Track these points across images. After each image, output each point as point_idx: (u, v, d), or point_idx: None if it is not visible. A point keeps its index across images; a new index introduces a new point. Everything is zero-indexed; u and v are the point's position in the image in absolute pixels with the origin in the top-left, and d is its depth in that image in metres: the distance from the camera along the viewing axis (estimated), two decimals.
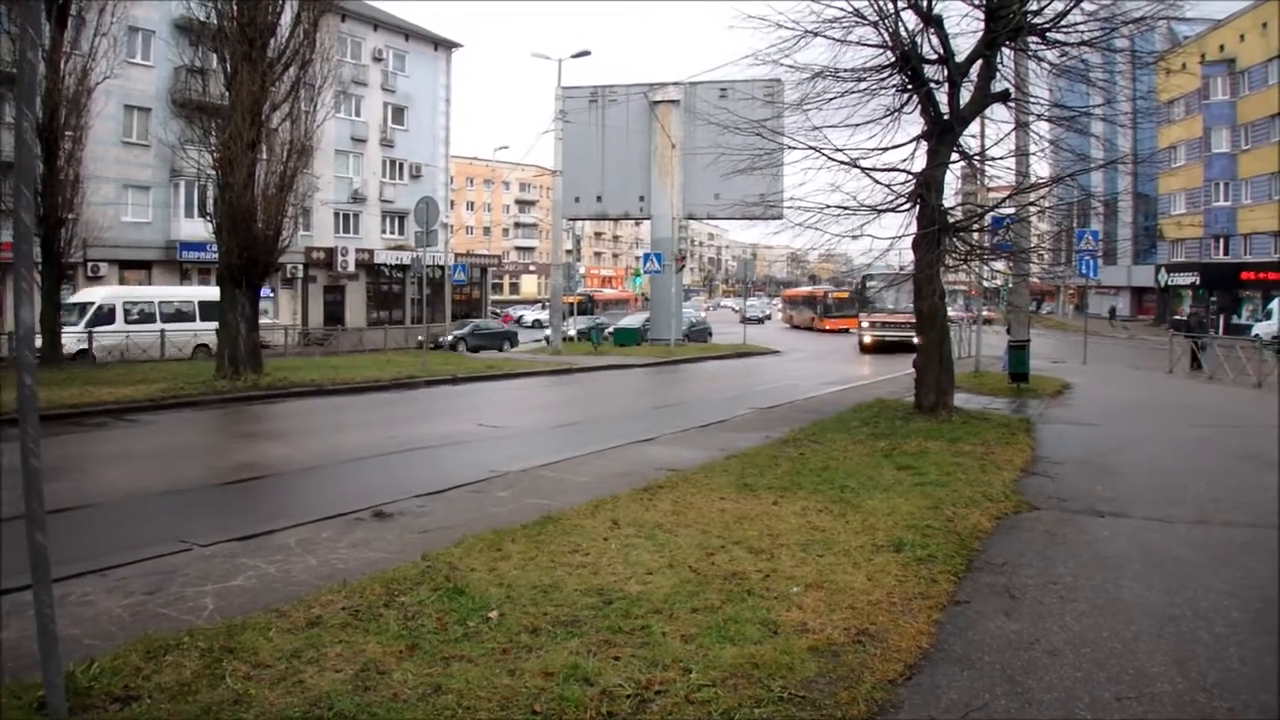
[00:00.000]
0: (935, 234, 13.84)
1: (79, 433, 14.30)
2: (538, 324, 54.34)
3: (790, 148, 15.12)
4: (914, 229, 14.28)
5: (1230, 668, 4.72)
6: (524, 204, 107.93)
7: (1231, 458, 11.84)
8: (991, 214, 16.22)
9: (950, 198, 16.29)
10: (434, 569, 6.14)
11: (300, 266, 42.39)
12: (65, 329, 25.69)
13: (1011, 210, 16.55)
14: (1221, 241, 53.93)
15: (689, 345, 39.48)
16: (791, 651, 4.69)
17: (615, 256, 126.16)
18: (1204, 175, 54.76)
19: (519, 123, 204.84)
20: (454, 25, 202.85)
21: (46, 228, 23.86)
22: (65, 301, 26.94)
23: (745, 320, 50.70)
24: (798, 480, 9.39)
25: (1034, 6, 13.49)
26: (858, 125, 14.20)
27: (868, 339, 38.51)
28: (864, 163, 14.07)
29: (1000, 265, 17.86)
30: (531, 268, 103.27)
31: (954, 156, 14.79)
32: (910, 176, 14.15)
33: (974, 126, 15.91)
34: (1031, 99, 14.85)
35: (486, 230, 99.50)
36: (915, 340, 31.48)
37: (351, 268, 45.43)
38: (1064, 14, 13.40)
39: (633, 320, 44.45)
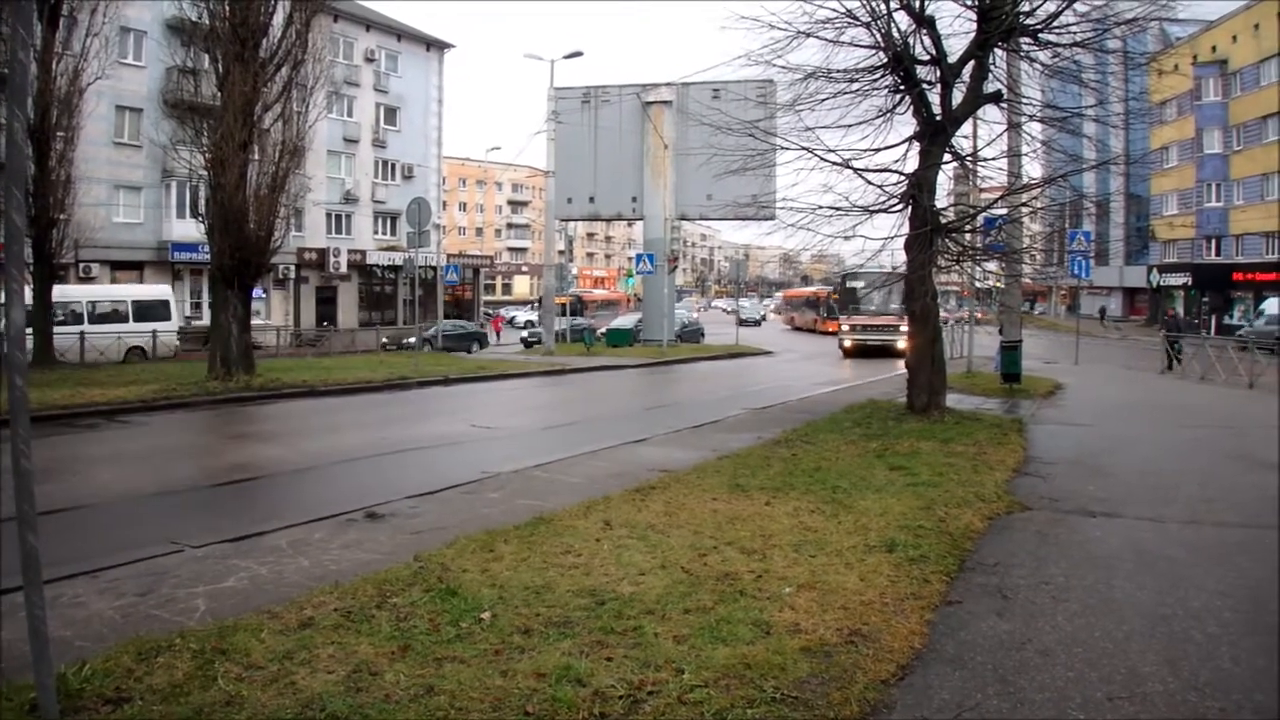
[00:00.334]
0: (928, 235, 13.85)
1: (71, 434, 14.25)
2: (529, 325, 54.25)
3: (783, 148, 15.15)
4: (906, 230, 14.29)
5: (1222, 667, 4.73)
6: (516, 205, 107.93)
7: (1223, 458, 11.87)
8: (984, 215, 16.26)
9: (943, 198, 16.31)
10: (426, 570, 6.13)
11: (292, 267, 42.33)
12: None
13: (1004, 211, 16.61)
14: (1213, 242, 54.11)
15: (681, 346, 39.48)
16: (784, 652, 4.69)
17: (608, 257, 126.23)
18: (1196, 176, 54.93)
19: (511, 123, 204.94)
20: (446, 26, 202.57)
21: (38, 229, 23.81)
22: None
23: (742, 323, 50.43)
24: (790, 481, 9.39)
25: (1026, 7, 13.53)
26: (850, 126, 14.23)
27: (847, 343, 36.55)
28: (856, 163, 14.10)
29: (993, 266, 17.90)
30: (524, 268, 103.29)
31: (946, 157, 14.81)
32: (902, 177, 14.17)
33: (966, 127, 15.97)
34: (1024, 100, 14.92)
35: (479, 231, 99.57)
36: (899, 345, 31.85)
37: (344, 268, 45.35)
38: (1056, 15, 13.43)
39: (625, 321, 44.41)
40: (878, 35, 13.59)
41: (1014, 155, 15.92)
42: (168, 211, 37.33)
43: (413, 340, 38.22)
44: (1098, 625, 5.34)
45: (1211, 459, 11.79)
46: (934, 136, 14.10)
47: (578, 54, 36.92)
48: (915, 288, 14.66)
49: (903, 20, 13.77)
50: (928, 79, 14.23)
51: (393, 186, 48.44)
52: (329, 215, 45.73)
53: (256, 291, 24.01)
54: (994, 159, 15.62)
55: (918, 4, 13.71)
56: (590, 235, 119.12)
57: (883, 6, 13.44)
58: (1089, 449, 12.35)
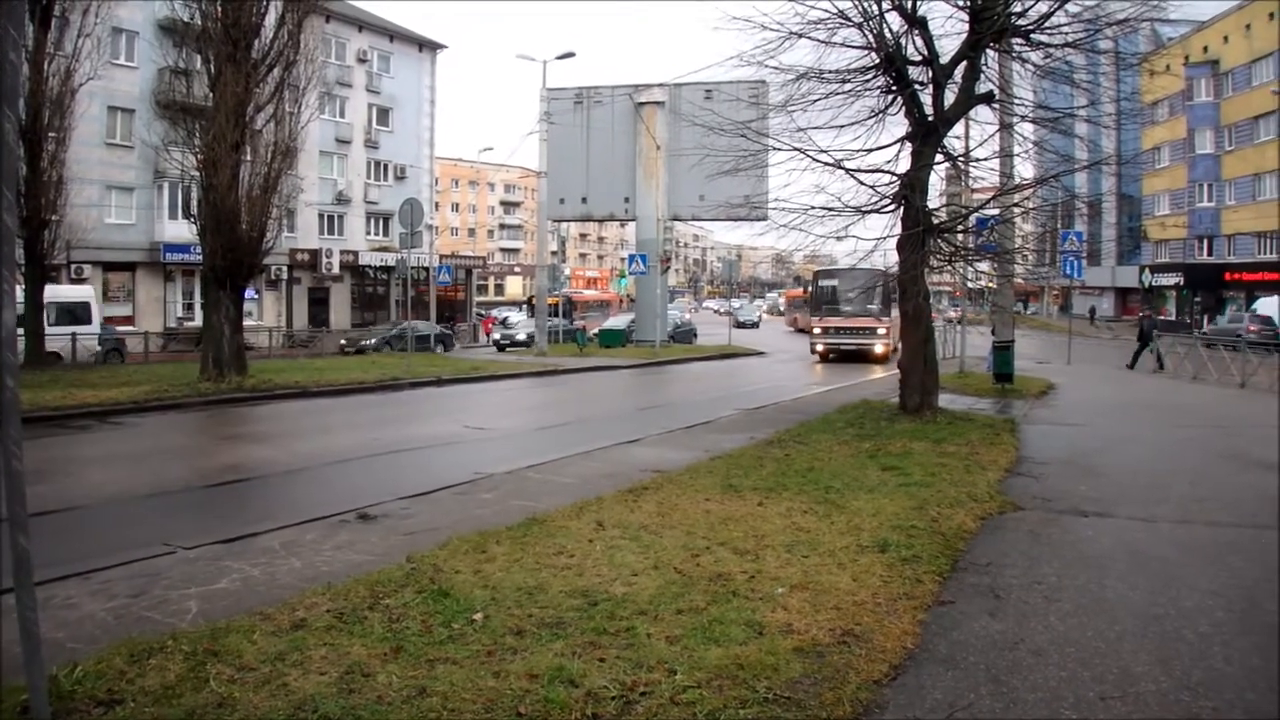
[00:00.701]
0: (920, 235, 13.88)
1: (63, 435, 14.20)
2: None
3: (775, 149, 15.17)
4: (899, 230, 14.32)
5: (1214, 667, 4.74)
6: (509, 205, 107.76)
7: (1216, 458, 11.92)
8: (976, 215, 16.28)
9: (935, 199, 16.36)
10: (419, 571, 6.11)
11: (285, 268, 42.26)
12: None
13: (996, 211, 16.64)
14: (1205, 242, 54.34)
15: (674, 346, 39.53)
16: (776, 652, 4.69)
17: (600, 258, 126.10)
18: (1188, 176, 55.17)
19: (504, 124, 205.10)
20: (439, 26, 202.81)
21: (30, 229, 23.70)
22: None
23: (739, 325, 50.16)
24: (783, 481, 9.39)
25: (1018, 8, 13.57)
26: (842, 127, 14.26)
27: (820, 346, 33.46)
28: (848, 164, 14.12)
29: (985, 266, 17.94)
30: (517, 269, 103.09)
31: (938, 158, 14.85)
32: (895, 178, 14.20)
33: (958, 128, 16.01)
34: (1016, 100, 14.92)
35: (471, 232, 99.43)
36: (877, 349, 31.58)
37: (336, 269, 45.30)
38: (1048, 15, 13.48)
39: (618, 321, 44.40)
40: (870, 36, 13.63)
41: (1006, 155, 15.94)
42: (160, 212, 37.26)
43: (371, 341, 38.02)
44: (1090, 625, 5.35)
45: (1203, 458, 11.84)
46: (926, 137, 14.13)
47: (570, 55, 36.96)
48: (908, 288, 14.68)
49: (895, 21, 13.84)
50: (920, 80, 14.28)
51: (385, 187, 48.40)
52: (321, 216, 45.68)
53: (249, 292, 23.95)
54: (986, 159, 15.72)
55: (910, 5, 13.75)
56: (583, 236, 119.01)
57: (875, 7, 13.50)
58: (1081, 449, 12.38)
